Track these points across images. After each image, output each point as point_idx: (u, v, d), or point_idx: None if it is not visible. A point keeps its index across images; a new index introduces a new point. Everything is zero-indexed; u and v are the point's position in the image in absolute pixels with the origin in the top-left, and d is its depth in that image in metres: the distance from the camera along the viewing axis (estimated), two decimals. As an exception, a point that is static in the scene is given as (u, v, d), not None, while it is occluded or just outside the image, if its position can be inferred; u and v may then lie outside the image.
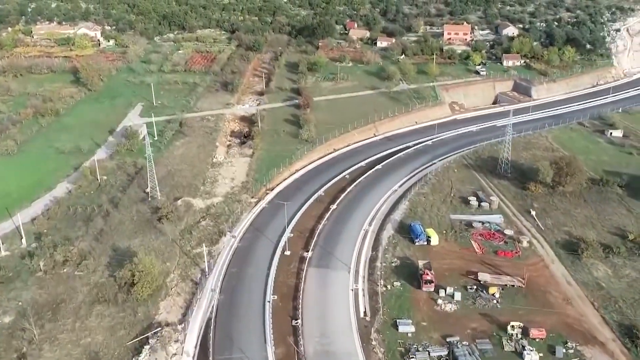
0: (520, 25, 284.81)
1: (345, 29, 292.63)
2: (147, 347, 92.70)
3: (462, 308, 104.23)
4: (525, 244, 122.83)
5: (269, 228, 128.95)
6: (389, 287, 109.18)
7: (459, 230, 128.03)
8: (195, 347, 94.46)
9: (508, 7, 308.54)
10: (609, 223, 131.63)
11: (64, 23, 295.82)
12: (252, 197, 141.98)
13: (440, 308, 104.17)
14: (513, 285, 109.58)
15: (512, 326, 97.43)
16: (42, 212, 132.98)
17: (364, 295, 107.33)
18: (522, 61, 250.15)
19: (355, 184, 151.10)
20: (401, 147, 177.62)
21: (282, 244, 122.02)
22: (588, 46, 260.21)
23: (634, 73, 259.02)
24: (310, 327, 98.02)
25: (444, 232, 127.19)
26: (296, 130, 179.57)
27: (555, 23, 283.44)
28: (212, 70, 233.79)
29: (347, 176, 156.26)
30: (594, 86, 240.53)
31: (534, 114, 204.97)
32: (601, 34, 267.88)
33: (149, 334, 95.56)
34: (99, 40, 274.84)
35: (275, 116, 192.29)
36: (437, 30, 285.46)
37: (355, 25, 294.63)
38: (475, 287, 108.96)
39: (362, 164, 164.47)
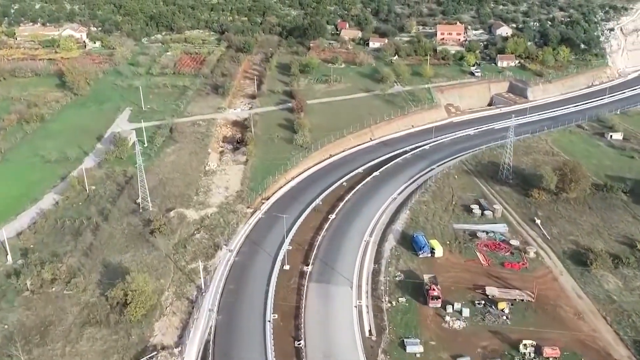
0: (514, 25, 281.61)
1: (337, 29, 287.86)
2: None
3: (471, 325, 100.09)
4: (532, 254, 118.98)
5: (267, 240, 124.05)
6: (393, 303, 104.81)
7: (463, 241, 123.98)
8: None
9: (501, 7, 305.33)
10: (616, 231, 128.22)
11: (48, 24, 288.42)
12: (248, 207, 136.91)
13: (449, 325, 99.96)
14: (522, 300, 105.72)
15: (525, 345, 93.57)
16: (28, 226, 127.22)
17: (368, 312, 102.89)
18: (517, 62, 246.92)
19: (353, 192, 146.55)
20: (398, 152, 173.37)
21: (280, 257, 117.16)
22: (582, 46, 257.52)
23: (628, 73, 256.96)
24: (314, 349, 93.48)
25: (448, 242, 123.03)
26: (290, 135, 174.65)
27: (549, 22, 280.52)
28: (202, 73, 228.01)
29: (345, 184, 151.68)
30: (589, 87, 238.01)
31: (531, 116, 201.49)
32: (595, 33, 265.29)
33: (144, 359, 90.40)
34: (84, 42, 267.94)
35: (269, 120, 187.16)
36: (430, 31, 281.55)
37: (347, 25, 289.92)
38: (483, 302, 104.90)
39: (360, 170, 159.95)
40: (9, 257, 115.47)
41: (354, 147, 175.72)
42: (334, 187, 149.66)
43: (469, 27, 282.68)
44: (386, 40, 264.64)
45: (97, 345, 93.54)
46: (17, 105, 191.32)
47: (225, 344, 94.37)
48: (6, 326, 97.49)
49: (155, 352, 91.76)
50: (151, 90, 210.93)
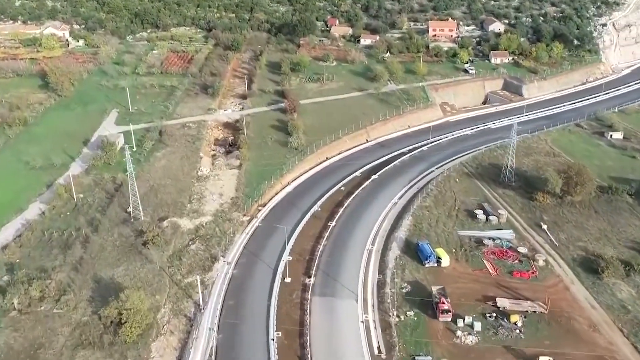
0: (506, 21, 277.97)
1: (327, 26, 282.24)
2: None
3: (483, 340, 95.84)
4: (541, 262, 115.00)
5: (265, 251, 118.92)
6: (402, 317, 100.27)
7: (469, 249, 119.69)
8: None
9: (492, 2, 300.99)
10: (624, 236, 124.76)
11: (29, 22, 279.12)
12: (244, 215, 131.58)
13: (460, 341, 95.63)
14: (534, 312, 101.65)
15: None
16: (13, 239, 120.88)
17: (375, 328, 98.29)
18: (510, 58, 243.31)
19: (352, 197, 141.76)
20: (395, 153, 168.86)
21: (281, 269, 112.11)
22: (575, 42, 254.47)
23: (621, 69, 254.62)
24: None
25: (454, 250, 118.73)
26: (284, 137, 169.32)
27: (541, 18, 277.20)
28: (190, 72, 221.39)
29: (343, 188, 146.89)
30: (583, 83, 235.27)
31: (528, 114, 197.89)
32: (588, 29, 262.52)
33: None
34: (67, 40, 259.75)
35: (261, 122, 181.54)
36: (422, 27, 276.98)
37: (337, 21, 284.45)
38: (494, 314, 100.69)
39: (357, 173, 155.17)
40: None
41: (350, 149, 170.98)
42: (332, 191, 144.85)
43: (461, 23, 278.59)
44: (377, 37, 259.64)
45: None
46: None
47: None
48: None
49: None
50: (138, 90, 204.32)
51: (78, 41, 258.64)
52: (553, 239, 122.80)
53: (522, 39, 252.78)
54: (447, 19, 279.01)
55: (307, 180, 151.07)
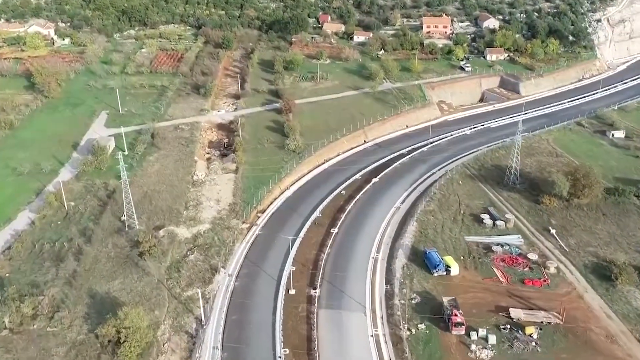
0: (500, 17, 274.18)
1: (318, 23, 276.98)
2: None
3: (499, 354, 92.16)
4: (552, 269, 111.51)
5: (267, 261, 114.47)
6: (413, 330, 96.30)
7: (477, 256, 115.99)
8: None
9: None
10: (635, 240, 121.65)
11: (12, 20, 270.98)
12: (243, 222, 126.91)
13: (475, 355, 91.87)
14: (550, 323, 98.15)
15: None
16: (2, 251, 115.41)
17: (386, 342, 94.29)
18: (506, 55, 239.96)
19: (353, 201, 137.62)
20: (395, 154, 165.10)
21: (284, 280, 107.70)
22: (571, 38, 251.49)
23: (617, 65, 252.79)
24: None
25: (462, 258, 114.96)
26: (281, 139, 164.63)
27: (536, 14, 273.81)
28: (181, 71, 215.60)
29: (343, 192, 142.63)
30: (580, 80, 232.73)
31: (527, 112, 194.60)
32: (582, 24, 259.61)
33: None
34: (52, 38, 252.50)
35: (256, 123, 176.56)
36: (415, 23, 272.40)
37: (329, 18, 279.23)
38: (509, 326, 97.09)
39: (357, 176, 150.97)
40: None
41: (348, 150, 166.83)
42: (332, 196, 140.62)
43: (455, 19, 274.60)
44: (371, 34, 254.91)
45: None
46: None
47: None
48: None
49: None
50: (127, 91, 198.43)
51: (64, 40, 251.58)
52: (563, 244, 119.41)
53: (517, 35, 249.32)
54: (441, 15, 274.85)
55: (306, 184, 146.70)
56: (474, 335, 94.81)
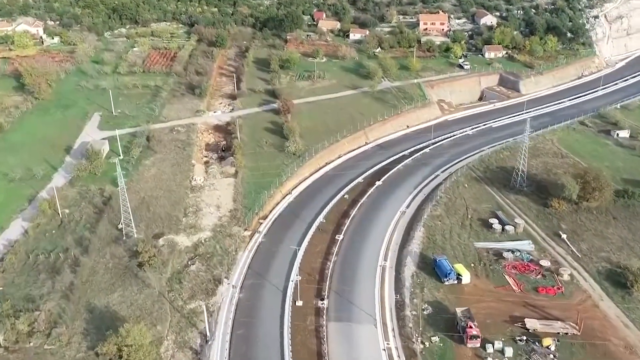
0: (497, 13, 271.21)
1: (313, 20, 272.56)
2: None
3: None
4: (566, 277, 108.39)
5: (272, 270, 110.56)
6: (426, 343, 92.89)
7: (488, 263, 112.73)
8: None
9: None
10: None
11: (0, 19, 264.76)
12: (245, 230, 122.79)
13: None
14: (567, 333, 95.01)
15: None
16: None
17: (399, 356, 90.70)
18: (505, 52, 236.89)
19: (357, 206, 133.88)
20: (397, 156, 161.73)
21: (290, 291, 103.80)
22: (569, 35, 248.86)
23: (615, 62, 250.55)
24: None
25: (472, 265, 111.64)
26: (280, 140, 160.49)
27: (533, 10, 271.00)
28: (175, 71, 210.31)
29: (347, 196, 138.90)
30: (579, 77, 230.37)
31: (529, 111, 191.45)
32: (580, 21, 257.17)
33: None
34: (41, 37, 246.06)
35: (254, 124, 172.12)
36: (412, 20, 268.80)
37: (324, 15, 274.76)
38: (525, 338, 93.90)
39: (360, 179, 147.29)
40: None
41: (349, 152, 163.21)
42: (335, 200, 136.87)
43: (452, 16, 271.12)
44: (367, 32, 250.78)
45: (91, 417, 79.22)
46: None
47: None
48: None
49: None
50: (120, 91, 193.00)
51: (53, 38, 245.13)
52: (575, 250, 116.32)
53: (515, 33, 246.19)
54: (438, 12, 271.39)
55: (308, 188, 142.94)
56: (489, 348, 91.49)
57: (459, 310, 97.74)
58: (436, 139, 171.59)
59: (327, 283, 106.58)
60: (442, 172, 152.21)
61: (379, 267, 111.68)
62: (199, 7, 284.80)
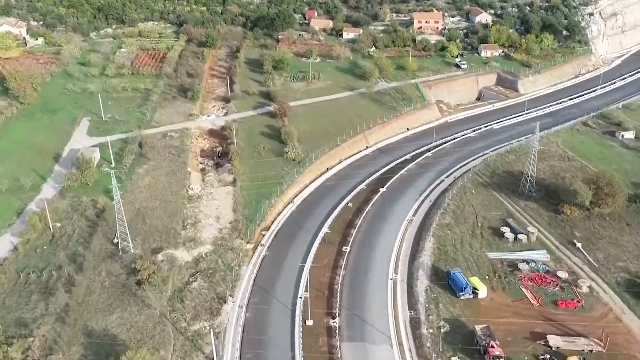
0: (492, 11, 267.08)
1: (305, 19, 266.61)
2: None
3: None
4: (585, 289, 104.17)
5: (278, 286, 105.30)
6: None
7: (503, 275, 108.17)
8: None
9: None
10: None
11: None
12: (248, 242, 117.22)
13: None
14: (591, 351, 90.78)
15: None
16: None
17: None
18: (501, 51, 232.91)
19: (362, 215, 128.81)
20: (399, 161, 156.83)
21: (299, 309, 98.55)
22: (565, 32, 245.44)
23: (611, 60, 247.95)
24: None
25: (487, 277, 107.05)
26: (278, 145, 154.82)
27: (528, 8, 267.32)
28: (164, 72, 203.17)
29: (350, 204, 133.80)
30: (576, 76, 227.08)
31: (529, 111, 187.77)
32: (576, 18, 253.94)
33: None
34: (24, 38, 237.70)
35: (250, 128, 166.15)
36: (405, 18, 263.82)
37: (316, 13, 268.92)
38: (548, 356, 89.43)
39: (363, 186, 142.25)
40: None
41: (350, 156, 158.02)
42: (339, 209, 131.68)
43: (446, 14, 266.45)
44: (361, 31, 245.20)
45: None
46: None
47: None
48: None
49: None
50: (109, 94, 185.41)
51: (37, 39, 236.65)
52: (591, 259, 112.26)
53: (510, 31, 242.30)
54: (432, 10, 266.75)
55: (310, 196, 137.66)
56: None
57: (478, 327, 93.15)
58: (438, 142, 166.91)
59: (337, 299, 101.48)
60: (447, 177, 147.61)
61: (390, 281, 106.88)
62: (187, 6, 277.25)
